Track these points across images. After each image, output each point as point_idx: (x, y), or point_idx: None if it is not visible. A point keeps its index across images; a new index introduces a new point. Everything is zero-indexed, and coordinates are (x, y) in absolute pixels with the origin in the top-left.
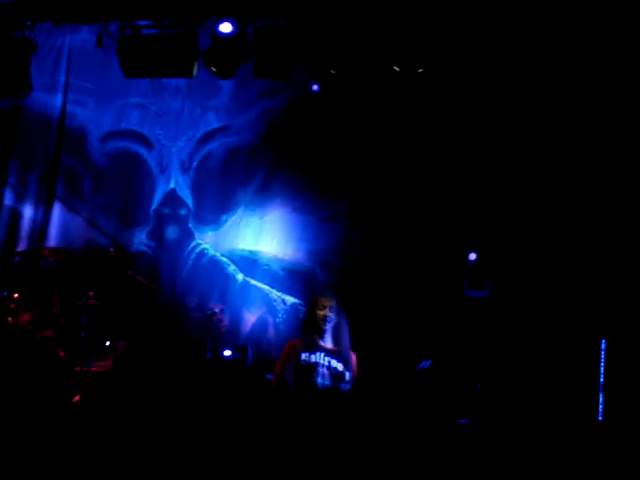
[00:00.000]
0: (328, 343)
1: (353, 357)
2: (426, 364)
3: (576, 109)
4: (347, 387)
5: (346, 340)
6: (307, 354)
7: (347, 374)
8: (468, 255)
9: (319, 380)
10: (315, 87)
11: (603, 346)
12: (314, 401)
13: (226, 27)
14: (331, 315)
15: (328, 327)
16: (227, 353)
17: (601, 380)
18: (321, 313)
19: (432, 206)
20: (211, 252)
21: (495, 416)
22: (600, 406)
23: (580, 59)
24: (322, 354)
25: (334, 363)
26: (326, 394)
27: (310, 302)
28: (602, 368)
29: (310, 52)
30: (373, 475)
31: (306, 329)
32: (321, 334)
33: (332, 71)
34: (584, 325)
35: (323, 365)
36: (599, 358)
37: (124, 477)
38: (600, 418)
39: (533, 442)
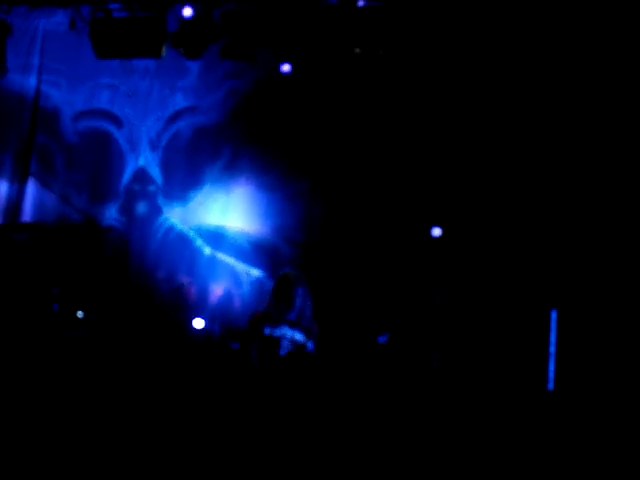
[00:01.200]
0: (292, 315)
1: (315, 326)
2: (384, 338)
3: (537, 81)
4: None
5: (309, 312)
6: (270, 328)
7: (309, 344)
8: (431, 230)
9: (282, 353)
10: (285, 68)
11: (554, 316)
12: (277, 369)
13: (187, 11)
14: (297, 290)
15: (294, 302)
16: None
17: (552, 350)
18: (288, 289)
19: (392, 184)
20: (179, 227)
21: (449, 386)
22: (550, 375)
23: (541, 28)
24: (285, 327)
25: (297, 335)
26: (288, 358)
27: (278, 278)
28: (553, 338)
29: (274, 35)
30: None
31: (271, 303)
32: (286, 308)
33: (295, 54)
34: (535, 296)
35: (286, 338)
36: (549, 328)
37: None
38: (550, 387)
39: (486, 412)
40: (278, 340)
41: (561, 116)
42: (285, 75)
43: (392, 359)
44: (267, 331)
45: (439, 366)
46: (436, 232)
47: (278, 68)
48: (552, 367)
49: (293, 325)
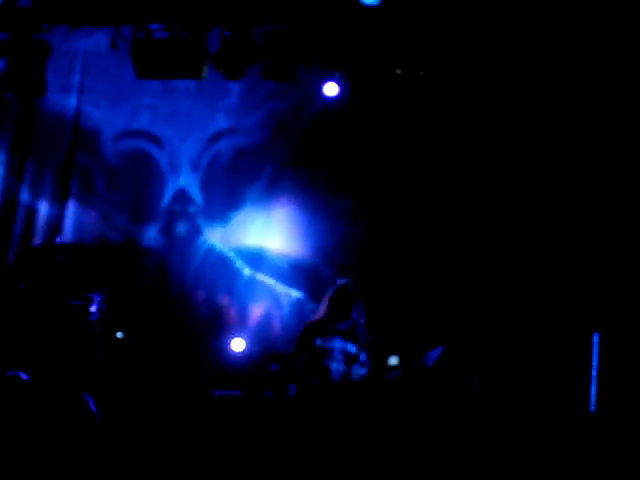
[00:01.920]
0: (346, 326)
1: (369, 337)
2: (434, 354)
3: (578, 113)
4: (362, 371)
5: (363, 323)
6: (322, 339)
7: (362, 355)
8: None
9: (334, 365)
10: (329, 92)
11: (596, 339)
12: (325, 394)
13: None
14: (354, 301)
15: (350, 313)
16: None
17: (594, 373)
18: (345, 300)
19: (433, 203)
20: (219, 248)
21: (490, 408)
22: (592, 397)
23: (579, 64)
24: (338, 338)
25: (349, 347)
26: (338, 387)
27: (335, 289)
28: (595, 361)
29: (315, 56)
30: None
31: (326, 314)
32: (341, 319)
33: (336, 73)
34: (577, 318)
35: (338, 350)
36: (591, 351)
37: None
38: (592, 409)
39: (527, 435)
40: (330, 351)
41: (602, 143)
42: (328, 98)
43: (433, 380)
44: (319, 342)
45: (480, 388)
46: None
47: (319, 88)
48: (594, 389)
49: (347, 336)
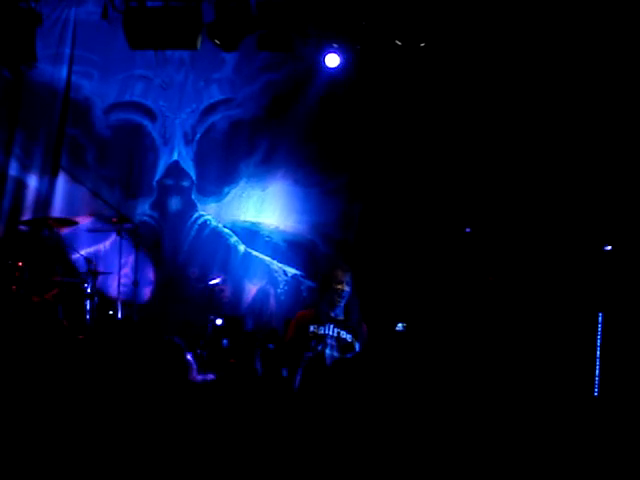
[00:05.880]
0: (339, 315)
1: (364, 327)
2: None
3: (575, 91)
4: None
5: (356, 311)
6: (316, 326)
7: (356, 345)
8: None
9: (327, 351)
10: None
11: (600, 319)
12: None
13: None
14: (347, 289)
15: (342, 300)
16: (218, 322)
17: (597, 354)
18: (337, 287)
19: (430, 180)
20: (213, 223)
21: (491, 390)
22: (596, 380)
23: (579, 36)
24: (332, 326)
25: (343, 334)
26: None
27: (326, 274)
28: (599, 341)
29: (312, 26)
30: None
31: (319, 301)
32: (334, 307)
33: (334, 45)
34: (581, 299)
35: (332, 337)
36: (596, 332)
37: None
38: (596, 393)
39: (529, 420)
40: (323, 338)
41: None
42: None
43: (432, 359)
44: (312, 329)
45: (480, 369)
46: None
47: (316, 60)
48: (598, 371)
49: (339, 324)
